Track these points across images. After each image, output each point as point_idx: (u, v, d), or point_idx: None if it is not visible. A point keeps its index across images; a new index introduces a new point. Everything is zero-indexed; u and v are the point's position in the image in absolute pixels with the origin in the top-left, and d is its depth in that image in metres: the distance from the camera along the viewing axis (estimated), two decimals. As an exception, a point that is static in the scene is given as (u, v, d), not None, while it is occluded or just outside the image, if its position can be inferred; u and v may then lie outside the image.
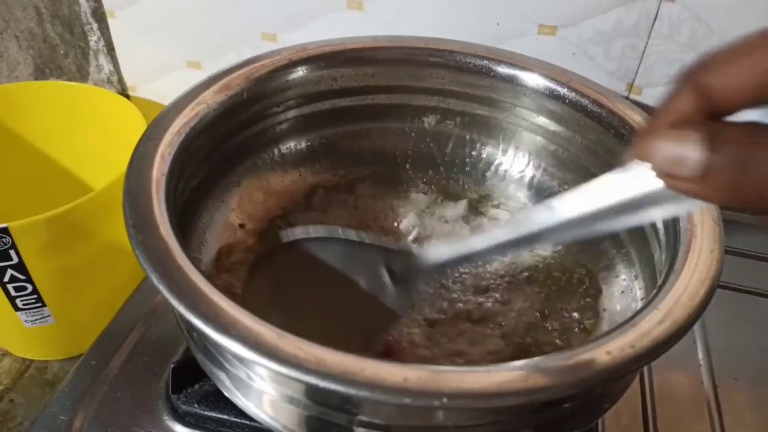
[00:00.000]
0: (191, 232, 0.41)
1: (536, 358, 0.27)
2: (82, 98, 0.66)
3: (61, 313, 0.59)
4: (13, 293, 0.55)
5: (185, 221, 0.39)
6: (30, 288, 0.55)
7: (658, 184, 0.21)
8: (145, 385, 0.42)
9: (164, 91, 0.71)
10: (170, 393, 0.40)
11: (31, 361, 0.64)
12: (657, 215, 0.23)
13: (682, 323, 0.29)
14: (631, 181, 0.22)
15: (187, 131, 0.38)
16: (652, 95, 0.58)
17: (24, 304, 0.56)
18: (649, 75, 0.57)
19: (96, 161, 0.66)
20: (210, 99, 0.41)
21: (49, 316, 0.59)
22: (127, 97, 0.73)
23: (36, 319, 0.58)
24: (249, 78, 0.43)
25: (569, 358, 0.27)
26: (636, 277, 0.40)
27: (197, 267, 0.30)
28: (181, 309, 0.27)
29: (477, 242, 0.32)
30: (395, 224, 0.48)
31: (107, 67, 0.71)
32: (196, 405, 0.40)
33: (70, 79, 0.71)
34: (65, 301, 0.59)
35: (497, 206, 0.49)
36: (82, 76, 0.72)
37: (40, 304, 0.57)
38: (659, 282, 0.32)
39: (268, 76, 0.44)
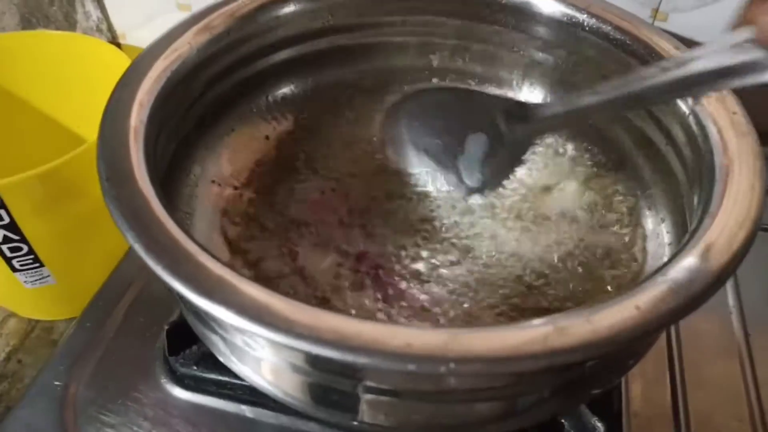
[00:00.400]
0: (180, 187, 0.38)
1: (555, 315, 0.24)
2: (71, 48, 0.62)
3: (61, 273, 0.57)
4: (8, 254, 0.53)
5: (173, 176, 0.36)
6: (26, 248, 0.53)
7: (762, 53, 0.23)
8: (142, 347, 0.40)
9: (155, 36, 0.67)
10: (167, 355, 0.38)
11: (37, 321, 0.63)
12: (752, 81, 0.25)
13: (720, 272, 0.25)
14: (735, 48, 0.24)
15: (168, 75, 0.35)
16: (679, 22, 0.53)
17: (21, 265, 0.54)
18: (675, -1, 0.52)
19: (87, 113, 0.63)
20: (192, 40, 0.37)
21: (48, 276, 0.57)
22: (118, 45, 0.69)
23: (36, 280, 0.57)
24: (234, 15, 0.39)
25: (593, 313, 0.24)
26: (663, 221, 0.37)
27: (180, 223, 0.27)
28: (159, 271, 0.25)
29: (592, 97, 0.34)
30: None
31: (95, 14, 0.67)
32: (194, 367, 0.38)
33: (57, 29, 0.68)
34: (64, 260, 0.57)
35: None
36: (70, 24, 0.68)
37: (38, 265, 0.55)
38: (692, 225, 0.29)
39: (256, 13, 0.40)
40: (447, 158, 0.40)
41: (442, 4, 0.43)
